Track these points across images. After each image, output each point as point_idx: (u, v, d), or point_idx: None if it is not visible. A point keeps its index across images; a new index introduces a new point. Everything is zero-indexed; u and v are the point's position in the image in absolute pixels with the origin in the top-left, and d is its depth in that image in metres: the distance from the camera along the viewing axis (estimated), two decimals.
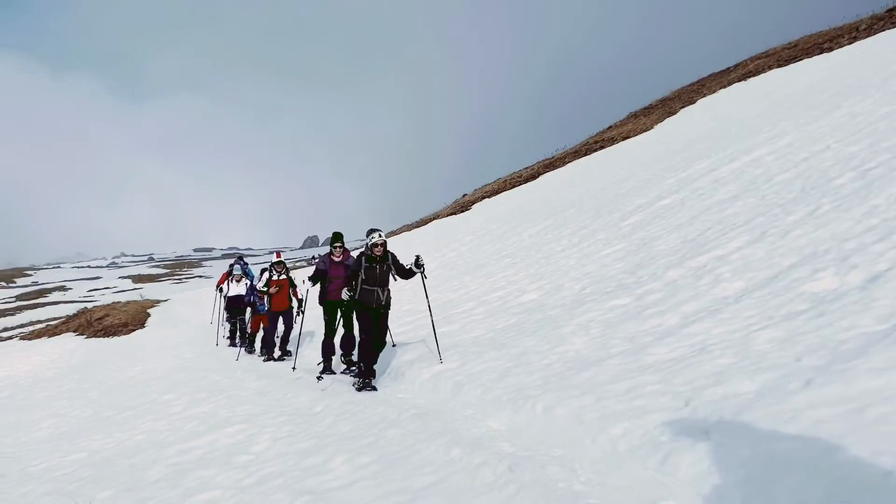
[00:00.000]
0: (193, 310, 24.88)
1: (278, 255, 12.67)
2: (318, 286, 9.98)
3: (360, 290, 8.10)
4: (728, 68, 31.13)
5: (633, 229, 11.33)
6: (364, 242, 8.18)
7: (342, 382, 8.76)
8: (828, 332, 4.85)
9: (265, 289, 12.24)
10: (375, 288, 8.07)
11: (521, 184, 27.72)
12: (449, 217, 28.10)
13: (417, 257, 8.25)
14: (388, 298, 8.28)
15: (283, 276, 12.35)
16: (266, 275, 12.39)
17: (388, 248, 8.26)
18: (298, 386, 9.00)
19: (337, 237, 10.07)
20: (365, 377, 8.02)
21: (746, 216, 8.85)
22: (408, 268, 8.24)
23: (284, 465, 5.57)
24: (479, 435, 5.29)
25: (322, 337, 9.87)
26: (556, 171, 26.70)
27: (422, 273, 8.25)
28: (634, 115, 31.64)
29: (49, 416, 10.53)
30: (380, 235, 8.03)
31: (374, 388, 7.89)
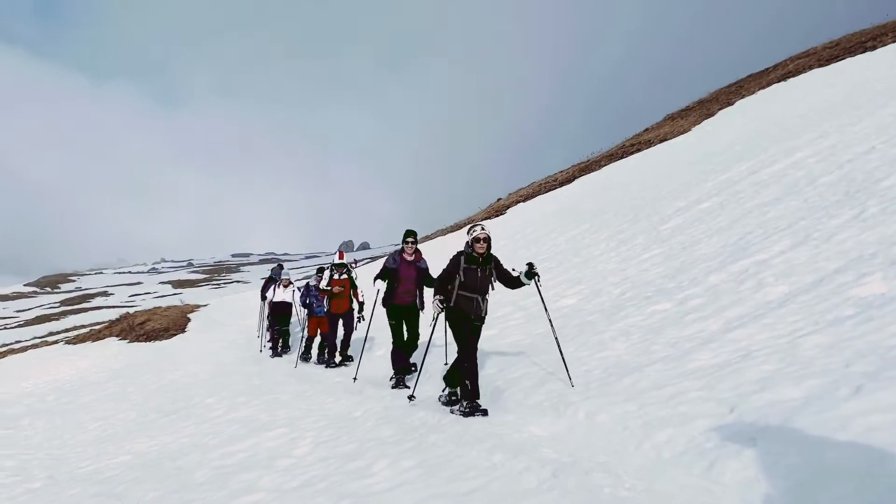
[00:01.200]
0: (233, 314, 25.20)
1: (341, 256, 11.96)
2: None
3: (454, 296, 6.75)
4: (767, 69, 30.64)
5: (673, 233, 11.21)
6: (466, 240, 6.87)
7: (381, 387, 8.79)
8: (876, 338, 4.75)
9: (328, 288, 11.48)
10: (475, 296, 6.71)
11: (556, 187, 27.61)
12: (483, 221, 28.06)
13: (531, 265, 6.80)
14: (487, 311, 6.96)
15: (345, 277, 11.62)
16: (327, 273, 11.85)
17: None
18: (338, 390, 9.08)
19: (410, 233, 8.89)
20: (472, 399, 6.52)
21: (789, 219, 8.70)
22: (515, 276, 6.89)
23: (327, 468, 5.61)
24: (521, 440, 5.29)
25: (390, 345, 9.11)
26: (591, 174, 26.53)
27: (536, 283, 6.82)
28: (671, 117, 31.32)
29: (95, 419, 10.75)
30: (482, 229, 6.73)
31: (485, 412, 6.34)
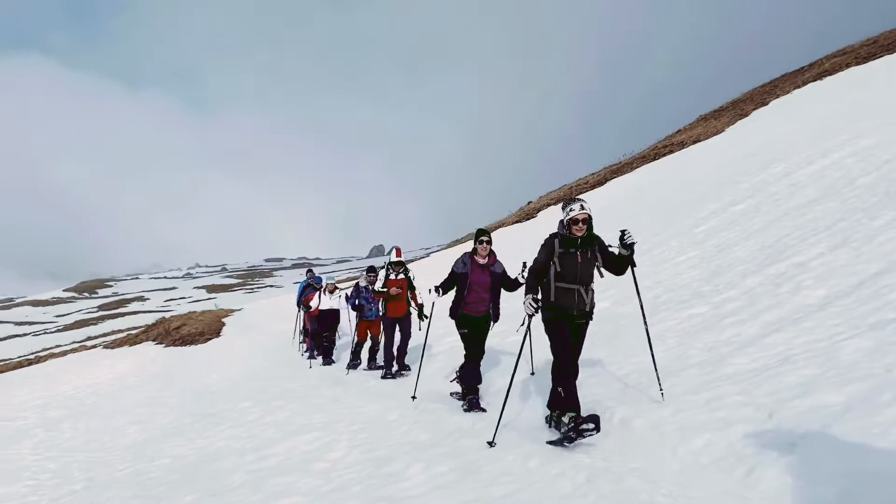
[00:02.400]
0: (267, 319, 25.43)
1: (398, 254, 10.77)
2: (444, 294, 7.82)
3: (552, 289, 5.62)
4: (802, 67, 30.13)
5: (707, 235, 11.08)
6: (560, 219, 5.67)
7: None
8: None
9: (384, 289, 10.43)
10: (576, 286, 5.54)
11: (587, 190, 27.43)
12: (514, 225, 28.01)
13: (623, 233, 5.49)
14: (593, 303, 5.73)
15: (402, 277, 10.53)
16: (383, 272, 10.80)
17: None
18: (372, 394, 9.10)
19: (482, 232, 7.49)
20: (577, 416, 5.36)
21: (827, 221, 8.55)
22: (617, 254, 5.61)
23: (362, 472, 5.65)
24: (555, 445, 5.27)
25: (452, 357, 8.02)
26: (623, 176, 26.32)
27: (629, 255, 5.56)
28: (704, 118, 30.94)
29: (133, 423, 10.92)
30: (581, 207, 5.49)
31: (597, 428, 5.11)
